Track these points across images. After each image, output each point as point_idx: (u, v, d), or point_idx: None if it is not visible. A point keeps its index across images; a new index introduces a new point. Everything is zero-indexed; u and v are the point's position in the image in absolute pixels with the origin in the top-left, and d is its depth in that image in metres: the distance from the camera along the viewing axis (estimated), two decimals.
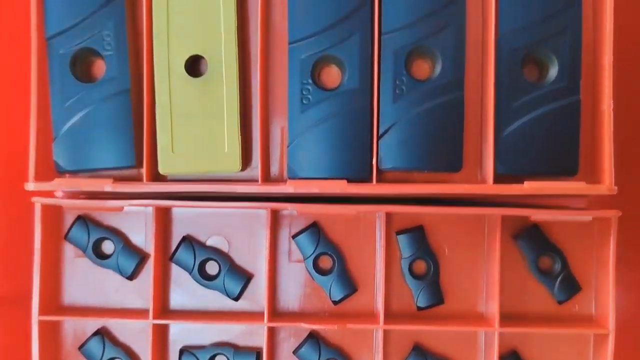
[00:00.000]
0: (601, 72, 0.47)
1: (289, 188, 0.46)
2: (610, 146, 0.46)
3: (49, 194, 0.49)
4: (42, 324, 0.49)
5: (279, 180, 0.50)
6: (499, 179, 0.47)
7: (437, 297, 0.51)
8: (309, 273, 0.51)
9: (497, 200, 0.50)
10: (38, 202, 0.48)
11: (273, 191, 0.47)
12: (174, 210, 0.51)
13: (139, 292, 0.51)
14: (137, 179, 0.49)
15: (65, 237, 0.50)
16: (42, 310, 0.49)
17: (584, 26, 0.47)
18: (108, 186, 0.47)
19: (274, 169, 0.51)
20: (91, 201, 0.48)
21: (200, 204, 0.47)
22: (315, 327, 0.50)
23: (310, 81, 0.47)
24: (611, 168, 0.46)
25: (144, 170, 0.48)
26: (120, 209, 0.48)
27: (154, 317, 0.49)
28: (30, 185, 0.47)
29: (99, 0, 0.47)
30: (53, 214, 0.50)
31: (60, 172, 0.48)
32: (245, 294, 0.51)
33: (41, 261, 0.49)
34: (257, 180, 0.48)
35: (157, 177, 0.48)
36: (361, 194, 0.46)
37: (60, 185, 0.47)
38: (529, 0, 0.46)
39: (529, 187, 0.46)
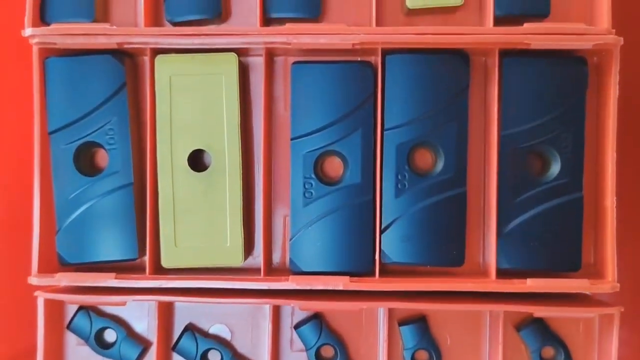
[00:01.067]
0: (604, 169, 0.47)
1: (291, 284, 0.46)
2: (613, 243, 0.46)
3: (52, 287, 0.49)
4: None
5: (282, 269, 0.50)
6: (501, 273, 0.47)
7: None
8: None
9: (500, 291, 0.50)
10: (41, 297, 0.48)
11: (275, 287, 0.47)
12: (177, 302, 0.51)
13: None
14: (140, 269, 0.49)
15: (68, 326, 0.50)
16: None
17: (587, 124, 0.47)
18: (111, 281, 0.47)
19: (276, 257, 0.51)
20: (94, 297, 0.48)
21: (202, 300, 0.48)
22: None
23: (312, 176, 0.47)
24: (614, 266, 0.46)
25: (147, 264, 0.48)
26: (123, 304, 0.48)
27: None
28: (34, 280, 0.47)
29: (102, 95, 0.47)
30: (55, 305, 0.50)
31: (64, 265, 0.48)
32: None
33: (44, 352, 0.49)
34: (259, 270, 0.48)
35: (160, 269, 0.48)
36: (364, 289, 0.46)
37: (64, 280, 0.47)
38: (531, 100, 0.46)
39: (532, 284, 0.46)
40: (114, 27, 0.46)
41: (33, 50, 0.47)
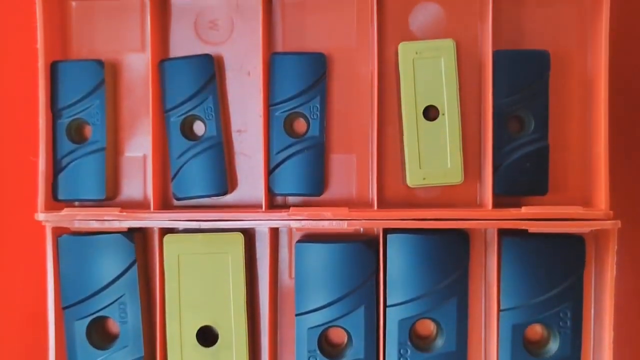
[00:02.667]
0: (602, 343, 0.48)
1: None
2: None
3: None
4: None
5: None
6: None
7: None
8: None
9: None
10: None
11: None
12: None
13: None
14: None
15: None
16: None
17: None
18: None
19: None
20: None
21: None
22: None
23: (317, 351, 0.49)
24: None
25: None
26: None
27: None
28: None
29: (114, 272, 0.49)
30: None
31: None
32: None
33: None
34: None
35: None
36: None
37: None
38: (530, 277, 0.48)
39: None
40: (124, 212, 0.48)
41: (47, 230, 0.49)
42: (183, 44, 0.52)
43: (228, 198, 0.51)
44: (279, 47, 0.51)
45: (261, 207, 0.49)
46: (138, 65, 0.52)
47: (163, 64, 0.50)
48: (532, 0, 0.50)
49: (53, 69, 0.50)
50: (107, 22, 0.52)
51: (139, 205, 0.51)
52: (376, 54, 0.49)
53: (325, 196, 0.51)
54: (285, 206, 0.51)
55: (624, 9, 0.51)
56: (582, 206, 0.47)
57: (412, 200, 0.51)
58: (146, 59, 0.51)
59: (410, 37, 0.51)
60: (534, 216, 0.46)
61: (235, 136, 0.52)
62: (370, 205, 0.50)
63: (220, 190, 0.50)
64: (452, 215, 0.47)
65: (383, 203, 0.50)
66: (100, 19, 0.52)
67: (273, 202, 0.51)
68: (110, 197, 0.50)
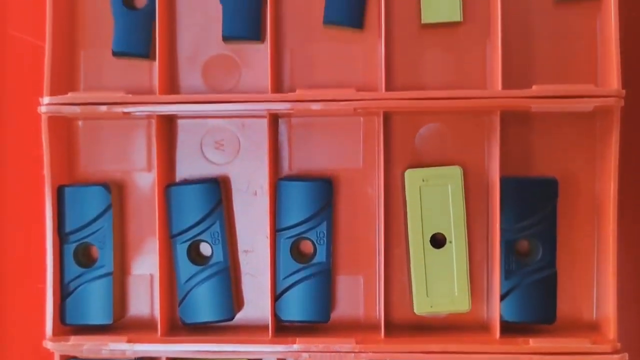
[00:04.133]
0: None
1: None
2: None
3: None
4: None
5: None
6: None
7: None
8: None
9: None
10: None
11: None
12: None
13: None
14: None
15: None
16: None
17: None
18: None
19: None
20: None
21: None
22: None
23: None
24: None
25: None
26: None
27: None
28: None
29: None
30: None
31: None
32: None
33: None
34: None
35: None
36: None
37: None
38: None
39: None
40: (131, 338, 0.48)
41: (55, 357, 0.49)
42: (190, 163, 0.52)
43: (235, 318, 0.51)
44: (286, 168, 0.51)
45: (267, 329, 0.49)
46: (144, 185, 0.52)
47: (169, 189, 0.50)
48: (540, 125, 0.50)
49: (60, 193, 0.50)
50: (113, 141, 0.52)
51: (146, 325, 0.52)
52: (383, 175, 0.49)
53: (333, 317, 0.51)
54: (292, 329, 0.51)
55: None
56: (589, 339, 0.47)
57: (420, 322, 0.51)
58: (152, 179, 0.51)
59: (417, 159, 0.51)
60: (541, 350, 0.46)
61: (242, 256, 0.52)
62: (377, 329, 0.50)
63: (226, 315, 0.50)
64: (460, 349, 0.47)
65: (390, 326, 0.50)
66: (106, 138, 0.52)
67: (279, 324, 0.51)
68: (117, 317, 0.51)
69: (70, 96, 0.48)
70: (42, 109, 0.48)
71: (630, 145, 0.49)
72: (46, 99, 0.48)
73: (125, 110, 0.48)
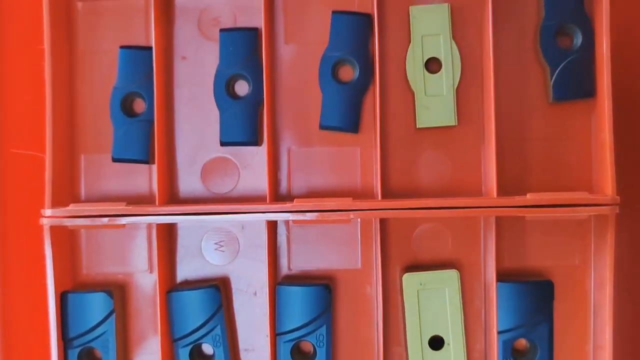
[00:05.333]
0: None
1: None
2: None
3: None
4: None
5: None
6: None
7: None
8: None
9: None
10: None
11: None
12: None
13: None
14: None
15: None
16: None
17: None
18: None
19: None
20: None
21: None
22: None
23: None
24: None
25: None
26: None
27: None
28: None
29: None
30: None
31: None
32: None
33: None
34: None
35: None
36: None
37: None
38: None
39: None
40: None
41: None
42: (190, 264, 0.52)
43: None
44: (285, 267, 0.52)
45: None
46: (146, 285, 0.52)
47: (171, 294, 0.50)
48: (535, 226, 0.51)
49: (63, 299, 0.50)
50: (115, 245, 0.52)
51: None
52: (381, 276, 0.50)
53: None
54: None
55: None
56: None
57: None
58: (154, 280, 0.52)
59: (414, 258, 0.51)
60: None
61: (242, 354, 0.52)
62: None
63: None
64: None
65: None
66: (108, 243, 0.52)
67: None
68: None
69: (71, 208, 0.49)
70: (44, 221, 0.49)
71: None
72: (48, 212, 0.49)
73: (126, 221, 0.48)
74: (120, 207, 0.48)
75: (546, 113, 0.51)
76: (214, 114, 0.52)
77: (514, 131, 0.50)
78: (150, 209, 0.49)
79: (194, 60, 0.52)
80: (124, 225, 0.49)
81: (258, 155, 0.52)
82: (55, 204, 0.50)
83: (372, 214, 0.48)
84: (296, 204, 0.48)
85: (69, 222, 0.49)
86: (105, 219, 0.48)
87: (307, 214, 0.47)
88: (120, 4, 0.52)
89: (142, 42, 0.52)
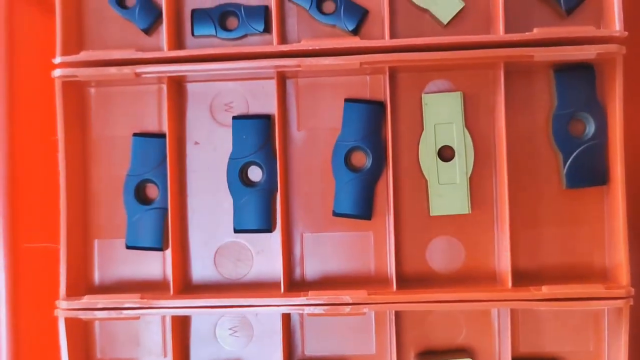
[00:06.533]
0: None
1: None
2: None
3: None
4: None
5: None
6: None
7: None
8: None
9: None
10: None
11: None
12: None
13: None
14: None
15: None
16: None
17: None
18: None
19: None
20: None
21: None
22: None
23: None
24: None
25: None
26: None
27: None
28: None
29: None
30: None
31: None
32: None
33: None
34: None
35: None
36: None
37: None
38: None
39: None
40: None
41: None
42: (205, 349, 0.52)
43: None
44: (299, 353, 0.52)
45: None
46: None
47: None
48: (549, 312, 0.50)
49: None
50: (128, 331, 0.53)
51: None
52: None
53: None
54: None
55: None
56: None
57: None
58: None
59: (428, 344, 0.51)
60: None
61: None
62: None
63: None
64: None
65: None
66: (121, 330, 0.53)
67: None
68: None
69: (86, 301, 0.49)
70: (59, 313, 0.49)
71: None
72: (63, 304, 0.49)
73: (141, 314, 0.48)
74: (135, 300, 0.48)
75: (559, 199, 0.50)
76: (228, 199, 0.52)
77: (528, 217, 0.50)
78: (164, 302, 0.49)
79: (207, 145, 0.52)
80: (138, 317, 0.49)
81: (271, 241, 0.52)
82: (70, 291, 0.50)
83: (387, 307, 0.48)
84: (311, 297, 0.48)
85: (83, 315, 0.49)
86: (120, 312, 0.48)
87: (322, 307, 0.48)
88: (133, 89, 0.53)
89: (154, 127, 0.53)
